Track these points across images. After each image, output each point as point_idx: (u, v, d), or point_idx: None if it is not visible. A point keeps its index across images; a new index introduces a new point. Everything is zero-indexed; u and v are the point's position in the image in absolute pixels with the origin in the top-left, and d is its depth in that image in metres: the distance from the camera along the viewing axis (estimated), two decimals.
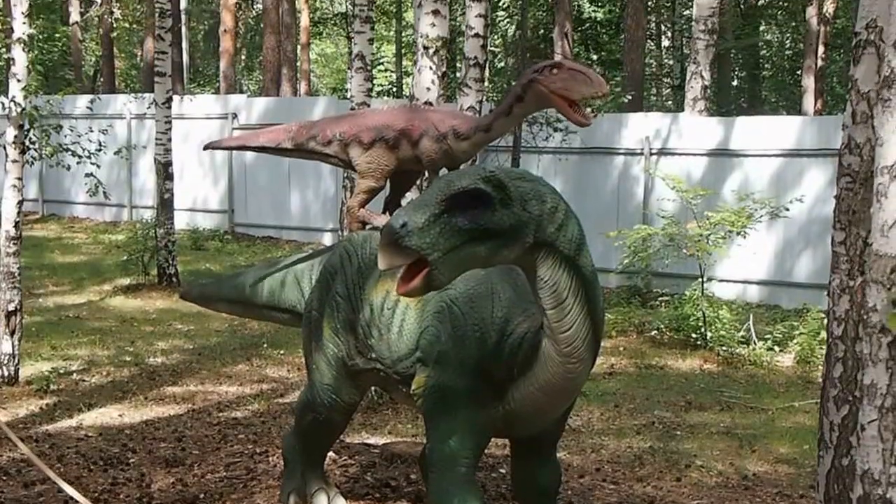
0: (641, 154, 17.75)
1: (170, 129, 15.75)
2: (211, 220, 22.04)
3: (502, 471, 7.61)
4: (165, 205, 15.91)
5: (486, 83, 18.25)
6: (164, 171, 15.84)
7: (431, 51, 9.70)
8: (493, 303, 5.51)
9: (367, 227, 6.52)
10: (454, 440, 5.56)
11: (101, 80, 36.98)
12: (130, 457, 7.86)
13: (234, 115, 21.59)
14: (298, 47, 34.71)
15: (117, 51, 40.14)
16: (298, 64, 34.37)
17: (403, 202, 6.83)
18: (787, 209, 13.86)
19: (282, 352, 12.21)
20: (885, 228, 4.24)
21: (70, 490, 5.61)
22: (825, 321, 5.81)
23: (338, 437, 6.89)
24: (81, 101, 22.35)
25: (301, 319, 6.86)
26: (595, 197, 18.01)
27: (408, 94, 17.28)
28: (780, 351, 12.90)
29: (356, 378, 6.23)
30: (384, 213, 6.67)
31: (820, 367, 12.33)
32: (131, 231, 17.43)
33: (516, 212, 4.69)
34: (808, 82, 28.87)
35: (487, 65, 20.94)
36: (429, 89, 9.66)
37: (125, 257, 16.51)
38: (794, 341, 12.98)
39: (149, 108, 17.55)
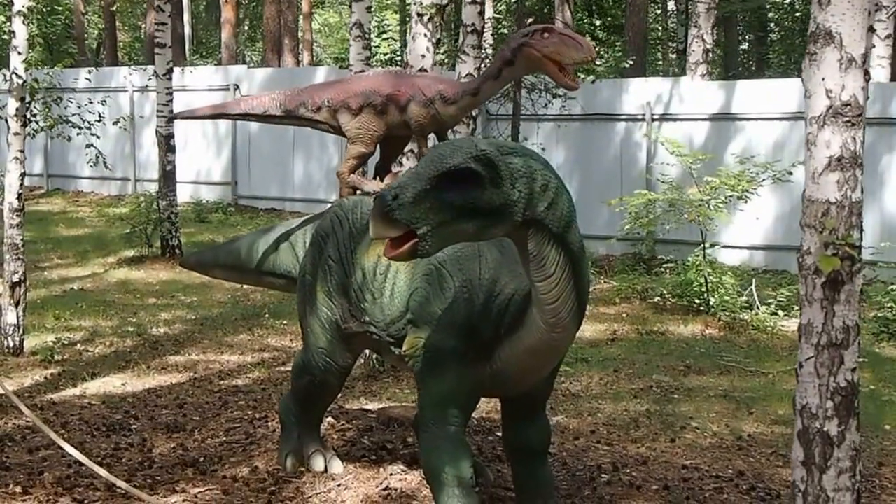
0: (643, 120, 17.85)
1: (171, 100, 15.88)
2: (214, 192, 22.20)
3: (498, 434, 7.79)
4: (167, 177, 16.09)
5: (488, 49, 18.36)
6: (166, 144, 15.97)
7: (426, 17, 9.84)
8: (479, 264, 5.68)
9: (358, 192, 6.69)
10: (444, 399, 5.74)
11: (104, 53, 37.10)
12: (132, 423, 8.06)
13: (236, 87, 21.71)
14: (300, 17, 34.73)
15: (120, 24, 40.26)
16: (301, 34, 34.40)
17: (394, 168, 7.00)
18: (791, 172, 13.95)
19: (284, 322, 12.40)
20: (815, 175, 4.49)
21: (75, 452, 5.80)
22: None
23: (333, 400, 7.09)
24: (84, 75, 22.51)
25: (296, 284, 7.06)
26: (597, 163, 18.13)
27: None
28: (785, 316, 13.00)
29: (350, 341, 6.41)
30: (375, 178, 6.84)
31: None
32: (135, 204, 17.65)
33: (506, 191, 4.84)
34: None
35: (490, 31, 21.02)
36: (423, 56, 9.81)
37: (129, 230, 16.72)
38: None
39: (150, 80, 17.67)
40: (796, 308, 12.99)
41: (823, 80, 4.43)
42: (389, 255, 4.83)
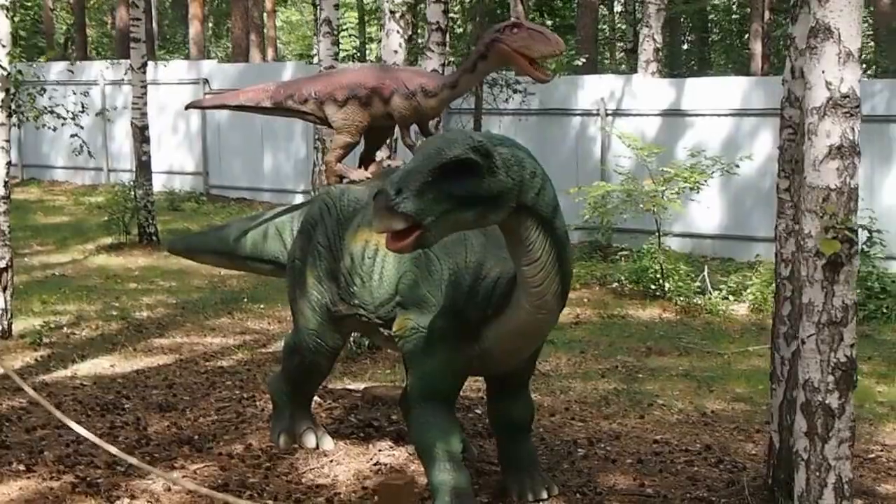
0: (597, 115, 17.90)
1: (145, 93, 15.82)
2: (186, 182, 22.03)
3: (478, 411, 7.83)
4: (143, 167, 15.99)
5: (447, 47, 18.35)
6: (141, 135, 15.92)
7: (398, 15, 9.87)
8: (465, 249, 5.72)
9: (344, 180, 6.70)
10: (434, 378, 5.78)
11: (73, 47, 36.71)
12: (125, 403, 8.01)
13: (206, 81, 21.56)
14: (265, 14, 34.56)
15: (87, 19, 39.81)
16: (265, 31, 34.24)
17: (378, 155, 7.02)
18: (738, 166, 14.12)
19: (262, 306, 12.35)
20: (815, 163, 4.57)
21: (77, 428, 5.76)
22: (774, 266, 6.03)
23: (323, 380, 7.10)
24: (55, 68, 22.25)
25: (283, 269, 7.07)
26: (554, 156, 18.14)
27: (374, 57, 17.46)
28: (735, 300, 13.14)
29: (339, 323, 6.43)
30: (359, 167, 6.86)
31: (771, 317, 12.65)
32: (111, 193, 17.46)
33: (501, 179, 4.88)
34: (756, 46, 29.13)
35: (448, 30, 21.03)
36: (396, 52, 9.83)
37: (106, 218, 16.58)
38: (748, 291, 13.26)
39: (126, 74, 17.53)
40: (745, 293, 13.23)
41: (823, 72, 4.49)
42: (393, 247, 4.84)
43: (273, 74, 21.20)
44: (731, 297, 13.20)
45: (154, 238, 16.03)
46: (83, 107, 15.12)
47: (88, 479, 6.21)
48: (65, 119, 14.21)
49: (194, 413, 7.75)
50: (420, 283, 5.78)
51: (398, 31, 9.94)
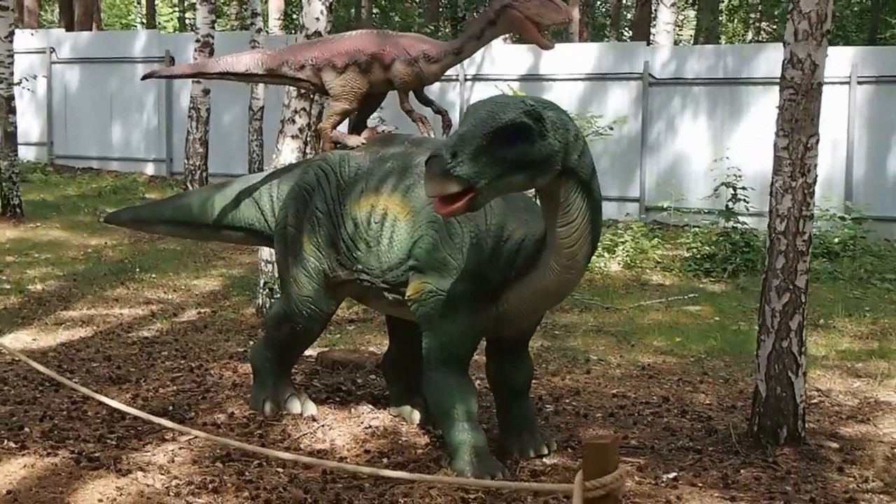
0: (457, 80, 17.92)
1: (12, 63, 15.10)
2: (31, 152, 21.08)
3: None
4: (9, 137, 15.30)
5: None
6: (7, 105, 15.24)
7: None
8: (485, 212, 5.64)
9: (338, 145, 6.50)
10: (452, 341, 5.71)
11: None
12: (72, 377, 7.60)
13: (52, 50, 20.63)
14: None
15: None
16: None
17: (369, 122, 6.83)
18: (612, 129, 14.35)
19: (153, 275, 11.94)
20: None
21: (111, 401, 5.43)
22: (769, 220, 6.13)
23: (310, 346, 6.90)
24: None
25: (258, 237, 6.87)
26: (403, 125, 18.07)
27: (255, 31, 16.97)
28: (610, 258, 13.38)
29: (337, 290, 6.29)
30: (351, 133, 6.66)
31: (645, 273, 12.94)
32: None
33: (550, 142, 4.88)
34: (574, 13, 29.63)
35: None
36: (318, 19, 9.51)
37: None
38: (621, 248, 13.52)
39: None
40: (618, 251, 13.49)
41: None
42: (443, 211, 4.83)
43: (124, 43, 20.64)
44: (605, 255, 13.42)
45: (18, 210, 15.30)
46: None
47: (85, 453, 5.88)
48: None
49: (150, 384, 7.43)
50: (440, 247, 5.67)
51: None
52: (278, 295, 8.98)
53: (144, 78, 7.24)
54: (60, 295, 10.80)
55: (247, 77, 6.83)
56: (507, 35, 17.87)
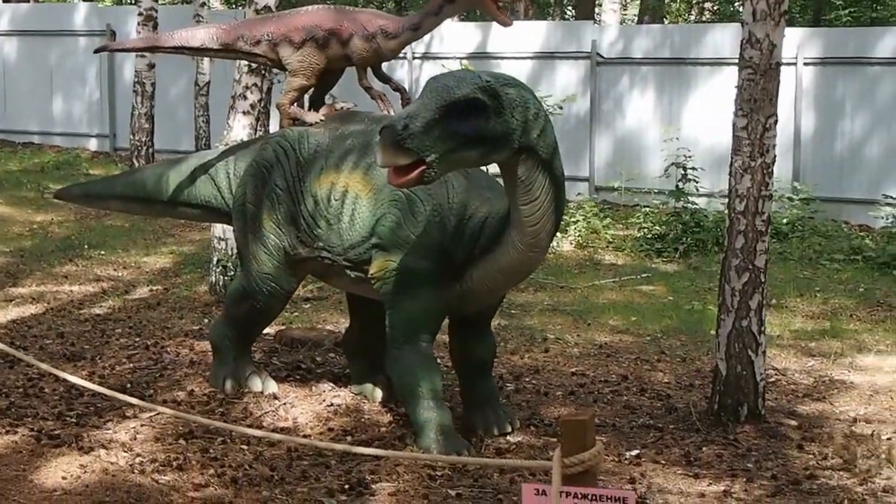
0: (405, 58, 17.87)
1: None
2: None
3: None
4: None
5: None
6: None
7: None
8: (447, 190, 5.67)
9: (297, 122, 6.49)
10: (416, 318, 5.74)
11: None
12: (26, 354, 7.52)
13: None
14: None
15: None
16: None
17: (327, 99, 6.82)
18: (561, 108, 14.41)
19: (101, 252, 11.82)
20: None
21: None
22: (728, 200, 6.21)
23: (270, 324, 6.88)
24: None
25: (215, 213, 6.84)
26: (364, 102, 18.02)
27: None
28: (563, 237, 13.43)
29: (297, 267, 6.28)
30: (310, 110, 6.65)
31: (598, 252, 13.03)
32: None
33: (507, 119, 4.93)
34: None
35: None
36: None
37: None
38: (573, 228, 13.59)
39: None
40: (570, 230, 13.56)
41: None
42: (395, 182, 4.87)
43: (64, 14, 20.27)
44: (558, 234, 13.45)
45: None
46: None
47: (45, 431, 5.85)
48: None
49: (106, 362, 7.38)
50: (403, 225, 5.68)
51: None
52: (232, 272, 9.03)
53: (97, 51, 7.17)
54: (8, 271, 10.67)
55: (201, 52, 6.80)
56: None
